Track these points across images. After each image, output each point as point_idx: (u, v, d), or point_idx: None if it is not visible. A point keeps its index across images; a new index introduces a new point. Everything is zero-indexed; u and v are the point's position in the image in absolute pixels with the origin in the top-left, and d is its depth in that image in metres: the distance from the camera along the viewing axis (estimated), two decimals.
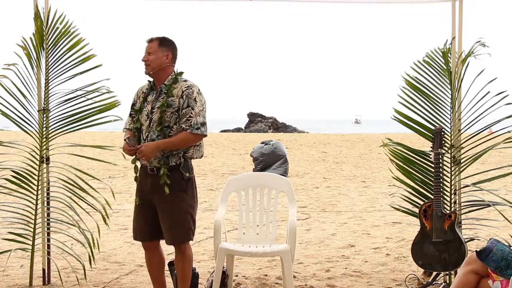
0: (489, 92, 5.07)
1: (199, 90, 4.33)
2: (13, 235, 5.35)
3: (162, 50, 4.33)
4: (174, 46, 4.41)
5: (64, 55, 5.33)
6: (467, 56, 5.19)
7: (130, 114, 4.49)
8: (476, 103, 5.14)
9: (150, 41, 4.37)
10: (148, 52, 4.33)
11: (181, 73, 4.39)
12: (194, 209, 4.39)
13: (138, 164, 4.41)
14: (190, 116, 4.23)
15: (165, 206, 4.26)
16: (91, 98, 5.28)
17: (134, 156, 4.32)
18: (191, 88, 4.29)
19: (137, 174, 4.42)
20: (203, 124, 4.27)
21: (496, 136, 5.17)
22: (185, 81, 4.34)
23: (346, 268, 5.92)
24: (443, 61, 5.36)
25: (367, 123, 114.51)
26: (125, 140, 4.27)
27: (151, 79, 4.42)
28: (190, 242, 4.46)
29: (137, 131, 4.37)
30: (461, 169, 5.24)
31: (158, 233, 4.40)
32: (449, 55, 5.33)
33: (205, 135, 4.30)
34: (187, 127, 4.22)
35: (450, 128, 5.31)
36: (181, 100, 4.25)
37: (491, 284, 3.77)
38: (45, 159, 5.29)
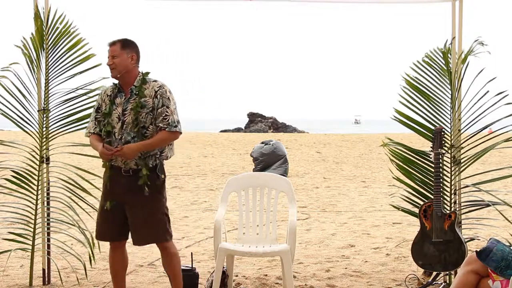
0: (488, 91, 5.07)
1: (169, 89, 4.38)
2: (13, 235, 5.35)
3: (126, 52, 4.33)
4: (136, 47, 4.41)
5: (64, 55, 5.33)
6: (466, 55, 5.19)
7: (96, 118, 4.42)
8: (476, 103, 5.15)
9: (112, 44, 4.35)
10: (112, 56, 4.32)
11: (148, 73, 4.39)
12: (167, 209, 4.45)
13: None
14: (166, 115, 4.26)
15: (141, 207, 4.27)
16: (91, 97, 5.28)
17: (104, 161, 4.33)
18: (163, 88, 4.32)
19: (107, 176, 4.39)
20: (179, 122, 4.33)
21: (496, 136, 5.17)
22: (155, 81, 4.37)
23: (346, 268, 5.92)
24: (443, 61, 5.36)
25: (367, 123, 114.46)
26: (103, 145, 4.23)
27: (117, 82, 4.40)
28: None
29: (107, 134, 4.32)
30: (461, 169, 5.24)
31: (126, 233, 4.41)
32: (449, 55, 5.33)
33: (181, 132, 4.35)
34: (165, 126, 4.25)
35: (450, 128, 5.31)
36: (155, 100, 4.27)
37: (491, 284, 3.77)
38: (45, 159, 5.29)
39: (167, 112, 4.27)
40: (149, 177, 4.27)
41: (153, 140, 4.25)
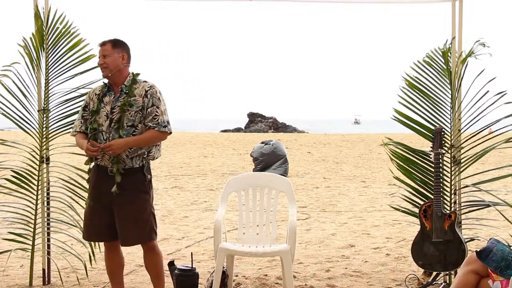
0: (488, 91, 5.07)
1: (160, 90, 4.40)
2: (13, 235, 5.35)
3: (117, 51, 4.35)
4: (127, 47, 4.43)
5: (64, 55, 5.33)
6: (467, 56, 5.19)
7: (82, 116, 4.44)
8: (476, 102, 5.15)
9: (103, 44, 4.37)
10: (103, 55, 4.33)
11: (138, 74, 4.42)
12: (154, 209, 4.47)
13: (92, 165, 4.42)
14: (156, 115, 4.28)
15: (128, 207, 4.28)
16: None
17: (88, 158, 4.35)
18: (154, 88, 4.35)
19: (90, 175, 4.43)
20: (168, 122, 4.35)
21: (495, 136, 5.17)
22: (145, 81, 4.39)
23: (346, 268, 5.92)
24: (443, 61, 5.36)
25: (367, 123, 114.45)
26: (88, 142, 4.24)
27: (106, 81, 4.41)
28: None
29: (93, 131, 4.33)
30: (461, 169, 5.24)
31: (116, 233, 4.41)
32: (449, 55, 5.33)
33: (171, 133, 4.37)
34: (154, 125, 4.27)
35: (450, 128, 5.31)
36: (145, 99, 4.29)
37: (491, 284, 3.77)
38: (45, 159, 5.29)
39: (157, 112, 4.29)
40: (136, 178, 4.30)
41: (141, 137, 4.26)
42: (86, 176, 5.30)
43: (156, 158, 4.42)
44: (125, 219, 4.30)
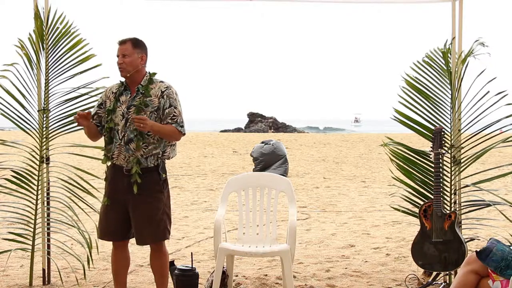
0: (488, 91, 5.07)
1: (176, 91, 4.40)
2: (13, 235, 5.35)
3: (137, 51, 4.33)
4: (146, 47, 4.42)
5: (64, 55, 5.33)
6: (467, 56, 5.19)
7: (97, 113, 4.44)
8: (476, 103, 5.15)
9: (123, 43, 4.34)
10: (122, 55, 4.31)
11: (155, 73, 4.42)
12: (170, 209, 4.45)
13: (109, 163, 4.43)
14: (174, 115, 4.30)
15: (142, 206, 4.28)
16: (92, 96, 5.28)
17: (104, 157, 4.37)
18: (170, 89, 4.35)
19: (106, 174, 4.43)
20: (184, 123, 4.37)
21: (494, 136, 5.17)
22: (162, 81, 4.39)
23: (346, 268, 5.92)
24: (443, 61, 5.36)
25: (367, 123, 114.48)
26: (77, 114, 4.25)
27: (123, 80, 4.41)
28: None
29: (109, 131, 4.35)
30: (461, 169, 5.24)
31: (127, 233, 4.42)
32: (449, 55, 5.33)
33: (185, 134, 4.38)
34: (173, 124, 4.28)
35: (450, 128, 5.31)
36: (161, 100, 4.29)
37: (491, 284, 3.77)
38: (45, 159, 5.29)
39: (175, 112, 4.30)
40: (150, 177, 4.29)
41: (165, 126, 4.25)
42: (87, 176, 5.35)
43: (171, 157, 4.42)
44: (140, 219, 4.30)
